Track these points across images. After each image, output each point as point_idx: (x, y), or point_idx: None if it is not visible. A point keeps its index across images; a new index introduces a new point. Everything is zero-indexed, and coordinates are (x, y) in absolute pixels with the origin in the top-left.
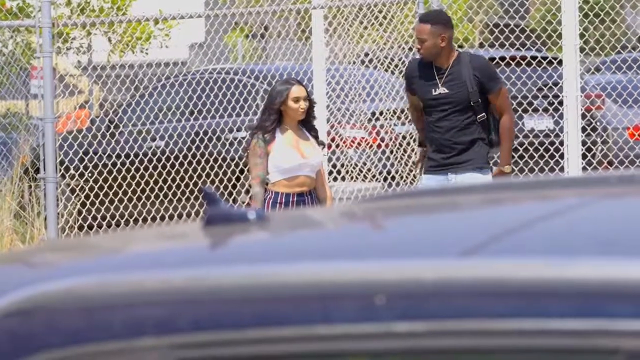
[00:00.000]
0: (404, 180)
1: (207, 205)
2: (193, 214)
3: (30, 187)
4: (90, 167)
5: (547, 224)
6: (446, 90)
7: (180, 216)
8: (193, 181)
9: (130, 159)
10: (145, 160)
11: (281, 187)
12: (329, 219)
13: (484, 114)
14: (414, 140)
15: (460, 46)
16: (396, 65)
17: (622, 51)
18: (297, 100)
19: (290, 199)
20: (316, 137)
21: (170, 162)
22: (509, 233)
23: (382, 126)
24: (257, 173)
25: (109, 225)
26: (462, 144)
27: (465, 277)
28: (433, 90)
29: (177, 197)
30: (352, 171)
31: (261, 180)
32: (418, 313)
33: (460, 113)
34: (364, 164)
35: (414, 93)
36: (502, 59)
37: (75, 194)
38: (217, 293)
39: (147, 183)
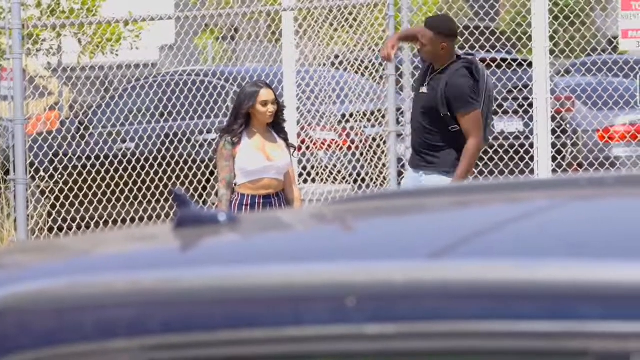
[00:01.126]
0: (374, 183)
1: (177, 207)
2: (163, 216)
3: None
4: (60, 169)
5: (517, 226)
6: (426, 91)
7: (150, 218)
8: (163, 183)
9: (100, 161)
10: (116, 162)
11: (247, 189)
12: (299, 221)
13: (456, 126)
14: (384, 142)
15: None
16: (366, 68)
17: (591, 54)
18: (265, 103)
19: (257, 201)
20: (285, 140)
21: (141, 164)
22: (478, 235)
23: (352, 128)
24: (224, 176)
25: (79, 227)
26: (430, 147)
27: (435, 279)
28: (420, 87)
29: (147, 199)
30: (322, 173)
31: (227, 182)
32: (388, 315)
33: (432, 118)
34: (334, 166)
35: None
36: None
37: (45, 196)
38: (188, 295)
39: (117, 185)
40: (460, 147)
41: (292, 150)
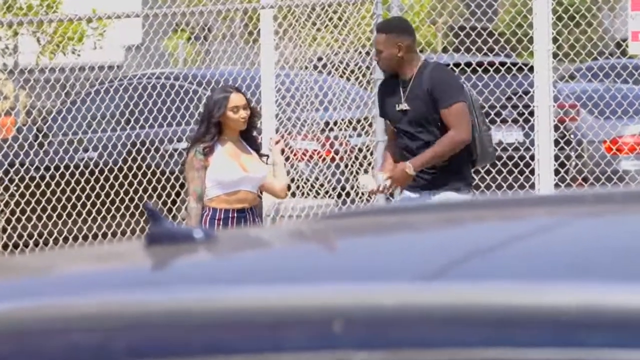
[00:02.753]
0: (360, 197)
1: (148, 223)
2: (129, 233)
3: None
4: (17, 180)
5: (517, 246)
6: (407, 107)
7: (114, 235)
8: (129, 196)
9: (60, 172)
10: (77, 173)
11: (220, 202)
12: (281, 239)
13: None
14: (371, 153)
15: (421, 51)
16: (352, 71)
17: (598, 57)
18: (236, 109)
19: (230, 215)
20: (257, 150)
21: (105, 175)
22: (475, 255)
23: (336, 137)
24: (194, 188)
25: (36, 245)
26: (433, 167)
27: (429, 302)
28: (397, 106)
29: (111, 214)
30: (303, 186)
31: (198, 195)
32: (378, 341)
33: (427, 133)
34: (316, 178)
35: (383, 115)
36: (468, 65)
37: (0, 210)
38: (160, 318)
39: (79, 198)
40: (465, 159)
41: (265, 159)
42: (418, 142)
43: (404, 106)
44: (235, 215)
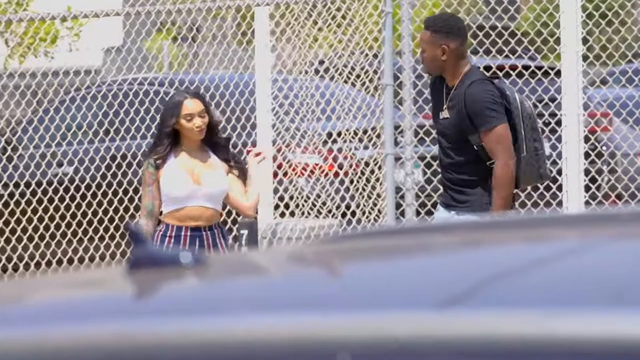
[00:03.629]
0: (367, 217)
1: (130, 246)
2: (109, 257)
3: None
4: None
5: (543, 270)
6: (447, 116)
7: (93, 259)
8: (109, 216)
9: (31, 189)
10: (50, 190)
11: (173, 219)
12: (279, 263)
13: (495, 161)
14: (379, 168)
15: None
16: (357, 76)
17: (633, 60)
18: (190, 117)
19: (182, 234)
20: (227, 161)
21: (81, 192)
22: (498, 280)
23: (340, 150)
24: (145, 203)
25: (4, 271)
26: (461, 184)
27: (446, 333)
28: (440, 113)
29: (89, 236)
30: (303, 205)
31: (148, 211)
32: None
33: (461, 148)
34: (318, 196)
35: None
36: (488, 68)
37: None
38: (144, 352)
39: (52, 218)
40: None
41: (240, 172)
42: (448, 159)
43: (445, 114)
44: (189, 234)
